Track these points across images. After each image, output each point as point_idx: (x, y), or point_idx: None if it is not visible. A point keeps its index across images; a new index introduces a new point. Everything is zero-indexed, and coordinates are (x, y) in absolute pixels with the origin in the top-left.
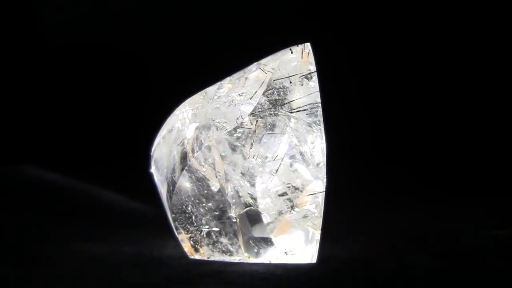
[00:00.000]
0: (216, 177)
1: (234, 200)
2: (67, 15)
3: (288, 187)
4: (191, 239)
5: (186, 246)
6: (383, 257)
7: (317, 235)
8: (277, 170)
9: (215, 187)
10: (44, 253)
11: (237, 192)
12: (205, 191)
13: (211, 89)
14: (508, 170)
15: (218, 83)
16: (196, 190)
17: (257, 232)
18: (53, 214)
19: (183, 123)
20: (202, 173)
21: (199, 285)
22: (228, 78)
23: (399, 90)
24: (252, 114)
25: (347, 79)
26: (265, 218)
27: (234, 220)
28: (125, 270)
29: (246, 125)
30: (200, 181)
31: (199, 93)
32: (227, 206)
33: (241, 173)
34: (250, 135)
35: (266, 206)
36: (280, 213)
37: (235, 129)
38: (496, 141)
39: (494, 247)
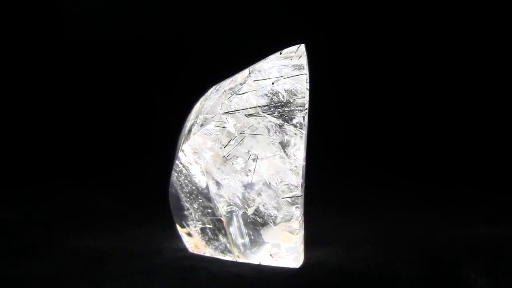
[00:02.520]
0: (203, 174)
1: (217, 198)
2: (88, 7)
3: (265, 187)
4: (190, 234)
5: (187, 241)
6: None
7: (296, 239)
8: (253, 170)
9: (203, 183)
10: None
11: (218, 190)
12: (194, 187)
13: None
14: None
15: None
16: (190, 186)
17: (240, 233)
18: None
19: (188, 118)
20: (189, 169)
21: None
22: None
23: (382, 91)
24: (229, 112)
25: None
26: (249, 219)
27: (222, 219)
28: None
29: (224, 121)
30: (188, 178)
31: (214, 86)
32: (215, 204)
33: (221, 170)
34: (226, 132)
35: (246, 205)
36: (261, 214)
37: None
38: (482, 140)
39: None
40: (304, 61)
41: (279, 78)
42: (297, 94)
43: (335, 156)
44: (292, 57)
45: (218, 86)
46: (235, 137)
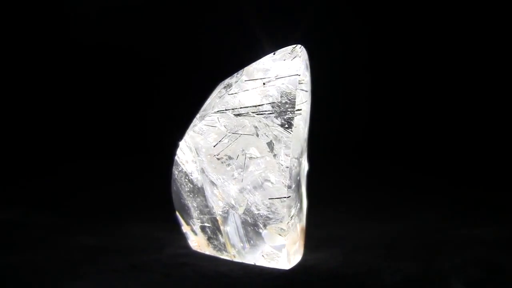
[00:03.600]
0: (199, 173)
1: (212, 198)
2: (95, 9)
3: (254, 188)
4: (193, 232)
5: (191, 239)
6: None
7: (285, 241)
8: (243, 171)
9: (200, 182)
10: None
11: (213, 189)
12: (192, 185)
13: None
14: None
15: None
16: (189, 184)
17: (236, 233)
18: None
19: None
20: (187, 167)
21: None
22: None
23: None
24: (219, 111)
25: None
26: (242, 219)
27: (218, 218)
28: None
29: (214, 120)
30: (187, 176)
31: (221, 82)
32: (211, 203)
33: (217, 169)
34: (216, 131)
35: (238, 205)
36: (252, 215)
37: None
38: (489, 142)
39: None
40: (298, 61)
41: (270, 79)
42: (288, 95)
43: (353, 156)
44: (285, 58)
45: (222, 83)
46: (225, 136)
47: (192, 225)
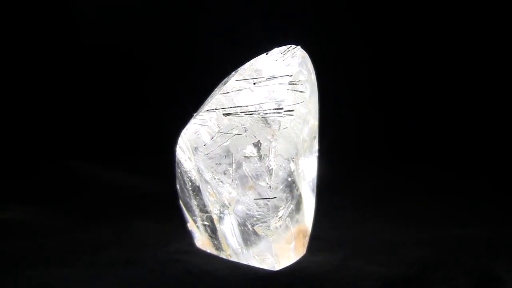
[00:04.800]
0: (196, 171)
1: (208, 197)
2: (102, 8)
3: (243, 188)
4: (198, 229)
5: (196, 237)
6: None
7: (271, 242)
8: (233, 171)
9: (197, 181)
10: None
11: (208, 188)
12: (191, 183)
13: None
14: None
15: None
16: (189, 183)
17: (231, 233)
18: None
19: None
20: (185, 165)
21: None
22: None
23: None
24: (209, 110)
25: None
26: (235, 219)
27: (214, 217)
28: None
29: (205, 119)
30: (186, 174)
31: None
32: (207, 202)
33: (211, 169)
34: (207, 130)
35: (229, 205)
36: (242, 215)
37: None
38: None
39: None
40: (290, 62)
41: (260, 79)
42: (276, 96)
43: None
44: (278, 58)
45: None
46: (215, 135)
47: (195, 223)
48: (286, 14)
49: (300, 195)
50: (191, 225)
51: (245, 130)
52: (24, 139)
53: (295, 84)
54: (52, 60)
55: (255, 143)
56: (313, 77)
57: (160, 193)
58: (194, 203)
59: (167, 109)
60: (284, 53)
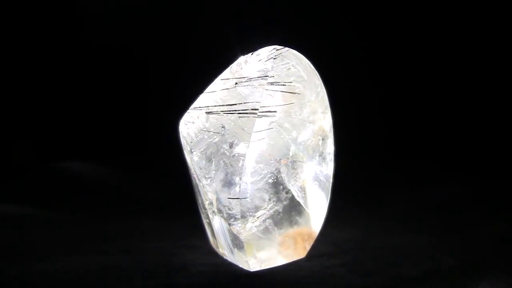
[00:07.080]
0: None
1: (203, 196)
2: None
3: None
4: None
5: (208, 235)
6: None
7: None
8: (213, 169)
9: (196, 178)
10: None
11: (200, 187)
12: (193, 180)
13: None
14: None
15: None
16: (193, 180)
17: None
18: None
19: None
20: (187, 163)
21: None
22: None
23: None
24: (195, 108)
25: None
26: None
27: (209, 215)
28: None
29: (192, 117)
30: (190, 171)
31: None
32: (203, 201)
33: (204, 167)
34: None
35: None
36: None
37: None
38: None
39: None
40: (273, 62)
41: (242, 80)
42: (255, 96)
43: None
44: (261, 58)
45: None
46: (200, 133)
47: (202, 221)
48: (286, 14)
49: (292, 198)
50: (204, 223)
51: (224, 130)
52: (24, 139)
53: (282, 85)
54: (53, 60)
55: (230, 143)
56: (315, 78)
57: (161, 192)
58: (198, 201)
59: (171, 109)
60: (267, 54)
